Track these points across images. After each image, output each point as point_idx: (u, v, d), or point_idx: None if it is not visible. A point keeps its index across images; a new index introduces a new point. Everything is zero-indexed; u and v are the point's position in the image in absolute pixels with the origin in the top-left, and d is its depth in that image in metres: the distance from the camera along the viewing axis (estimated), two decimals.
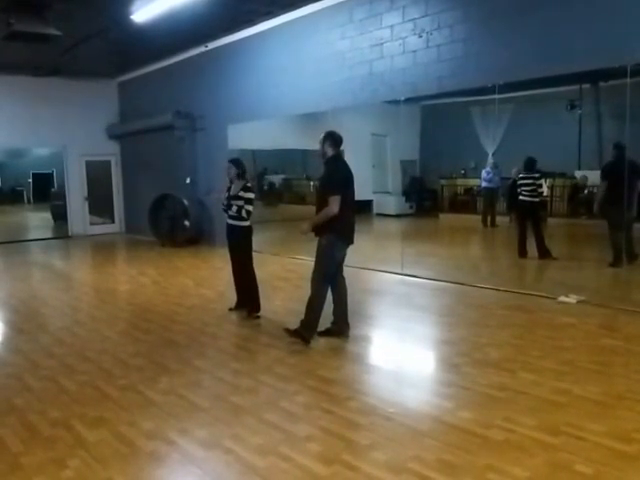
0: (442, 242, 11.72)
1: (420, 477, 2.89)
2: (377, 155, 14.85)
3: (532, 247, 8.96)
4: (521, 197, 9.15)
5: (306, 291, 7.68)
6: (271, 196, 17.80)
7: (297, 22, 9.52)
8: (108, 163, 15.13)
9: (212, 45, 11.41)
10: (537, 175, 9.15)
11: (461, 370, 4.38)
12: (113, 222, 15.39)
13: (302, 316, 6.15)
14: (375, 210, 14.85)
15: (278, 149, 15.99)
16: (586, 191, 12.26)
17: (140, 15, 8.42)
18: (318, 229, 5.04)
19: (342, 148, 5.14)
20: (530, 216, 9.07)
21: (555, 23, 6.42)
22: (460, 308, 6.43)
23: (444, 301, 6.92)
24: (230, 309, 6.44)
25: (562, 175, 12.77)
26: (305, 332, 5.11)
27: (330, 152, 5.05)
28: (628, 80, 7.15)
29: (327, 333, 5.33)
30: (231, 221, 6.23)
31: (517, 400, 3.82)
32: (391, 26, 8.03)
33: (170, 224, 12.49)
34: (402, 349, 5.04)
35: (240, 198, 6.07)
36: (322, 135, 5.09)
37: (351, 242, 5.20)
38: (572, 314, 5.94)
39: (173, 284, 8.33)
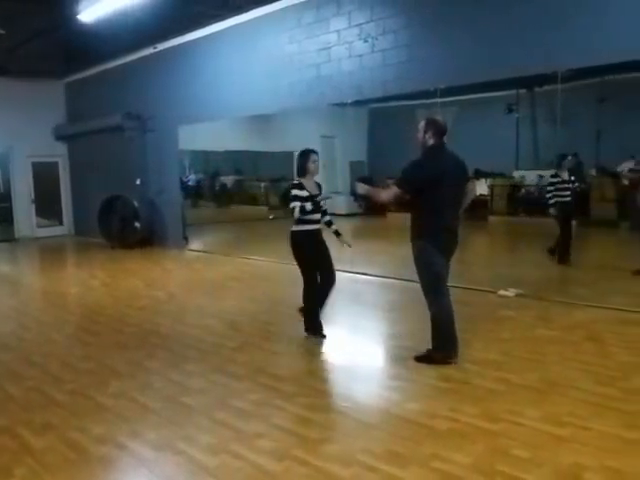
0: (391, 240, 11.92)
1: (369, 468, 2.99)
2: (326, 156, 14.96)
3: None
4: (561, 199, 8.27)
5: (260, 290, 7.79)
6: (223, 197, 17.72)
7: (246, 25, 9.54)
8: (56, 164, 14.82)
9: (162, 46, 11.29)
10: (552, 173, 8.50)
11: (408, 364, 4.51)
12: (61, 224, 15.05)
13: (262, 315, 6.16)
14: None
15: (230, 150, 15.95)
16: (523, 190, 12.80)
17: (87, 15, 8.29)
18: (411, 234, 4.47)
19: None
20: (569, 217, 8.39)
21: (492, 30, 6.69)
22: (408, 304, 6.55)
23: (392, 297, 7.09)
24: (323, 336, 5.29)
25: (501, 175, 13.31)
26: (437, 353, 4.45)
27: (431, 143, 4.40)
28: (559, 86, 7.53)
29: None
30: (318, 225, 5.22)
31: (461, 390, 3.98)
32: (338, 31, 8.17)
33: (120, 226, 12.29)
34: (352, 345, 5.15)
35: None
36: (422, 122, 4.42)
37: (449, 252, 4.45)
38: (511, 307, 6.20)
39: (123, 286, 8.22)
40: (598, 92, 10.72)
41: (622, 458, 3.01)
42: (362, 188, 4.70)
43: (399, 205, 4.99)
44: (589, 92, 10.72)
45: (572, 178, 8.26)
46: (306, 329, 5.29)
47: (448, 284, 4.59)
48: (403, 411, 3.68)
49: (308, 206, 4.93)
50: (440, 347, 4.47)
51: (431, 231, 4.36)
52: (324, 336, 5.22)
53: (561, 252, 8.27)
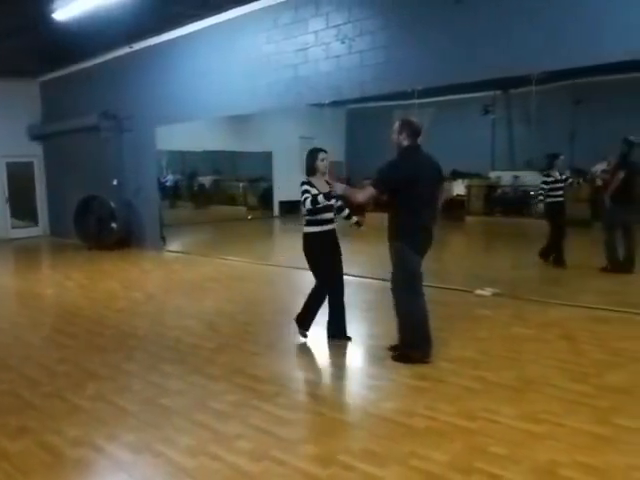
0: (368, 240, 11.99)
1: (347, 468, 3.01)
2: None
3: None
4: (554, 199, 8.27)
5: (237, 290, 7.78)
6: (201, 197, 17.63)
7: (224, 25, 9.51)
8: (31, 164, 14.61)
9: (139, 46, 11.18)
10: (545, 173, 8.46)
11: (386, 363, 4.54)
12: (37, 225, 14.85)
13: (240, 316, 6.12)
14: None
15: (208, 150, 15.88)
16: (499, 190, 13.01)
17: (62, 13, 8.19)
18: (389, 234, 4.51)
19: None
20: (562, 217, 8.31)
21: (467, 33, 6.76)
22: (385, 304, 6.58)
23: (370, 297, 7.10)
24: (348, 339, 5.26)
25: (478, 176, 13.51)
26: (415, 353, 4.49)
27: (405, 144, 4.41)
28: (533, 88, 7.68)
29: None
30: (332, 226, 5.07)
31: (438, 389, 4.02)
32: (315, 32, 8.18)
33: (97, 226, 12.17)
34: (330, 345, 5.15)
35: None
36: (397, 123, 4.43)
37: (423, 251, 4.50)
38: (488, 306, 6.29)
39: (101, 287, 8.13)
40: (572, 94, 10.91)
41: (595, 454, 3.07)
42: (339, 188, 4.72)
43: (377, 205, 5.02)
44: (563, 94, 10.91)
45: (564, 177, 8.29)
46: (296, 319, 5.25)
47: (425, 283, 4.64)
48: (381, 410, 3.70)
49: (321, 198, 4.70)
50: (416, 346, 4.51)
51: (408, 231, 4.40)
52: (306, 336, 5.24)
53: (552, 252, 8.30)
